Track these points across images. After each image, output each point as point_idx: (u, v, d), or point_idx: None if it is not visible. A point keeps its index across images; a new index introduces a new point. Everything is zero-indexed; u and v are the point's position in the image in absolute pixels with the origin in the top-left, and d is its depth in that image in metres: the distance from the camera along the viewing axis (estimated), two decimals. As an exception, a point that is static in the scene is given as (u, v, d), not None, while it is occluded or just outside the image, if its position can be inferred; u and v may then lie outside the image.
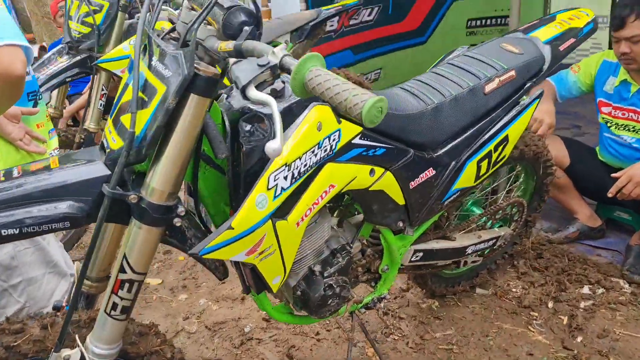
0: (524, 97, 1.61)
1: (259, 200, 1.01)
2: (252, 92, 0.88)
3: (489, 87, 1.47)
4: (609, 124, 2.39)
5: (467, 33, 5.68)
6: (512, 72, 1.52)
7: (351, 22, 4.74)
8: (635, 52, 2.11)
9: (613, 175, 2.00)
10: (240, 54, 0.88)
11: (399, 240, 1.55)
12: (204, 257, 0.99)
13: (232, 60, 0.93)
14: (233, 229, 0.99)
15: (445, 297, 2.21)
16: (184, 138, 0.97)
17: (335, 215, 1.54)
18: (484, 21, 5.69)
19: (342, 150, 1.17)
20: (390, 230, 1.51)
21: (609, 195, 2.01)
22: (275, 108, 0.86)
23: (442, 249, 1.75)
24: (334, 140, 1.13)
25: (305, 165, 1.07)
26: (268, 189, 1.01)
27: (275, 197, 1.03)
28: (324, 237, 1.37)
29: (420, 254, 1.70)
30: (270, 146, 0.84)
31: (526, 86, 1.56)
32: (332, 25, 4.53)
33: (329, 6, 2.90)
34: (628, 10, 2.08)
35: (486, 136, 1.50)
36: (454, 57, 1.63)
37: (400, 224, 1.50)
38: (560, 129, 4.12)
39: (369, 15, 4.96)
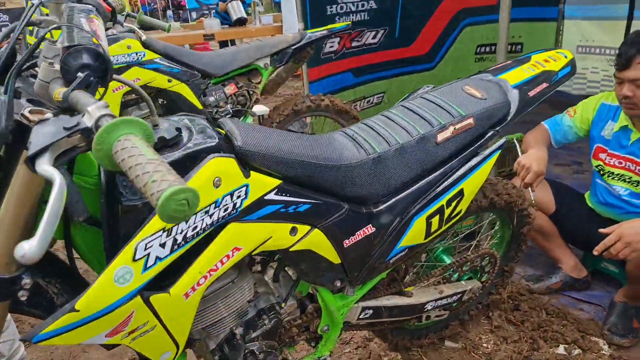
0: (488, 145, 1.45)
1: (120, 275, 0.85)
2: (40, 165, 0.69)
3: (441, 136, 1.30)
4: (602, 172, 2.19)
5: (476, 59, 5.51)
6: (470, 120, 1.34)
7: (353, 44, 4.61)
8: (638, 97, 1.89)
9: (601, 230, 1.80)
10: (69, 106, 0.72)
11: (339, 299, 1.39)
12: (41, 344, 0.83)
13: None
14: (78, 311, 0.83)
15: (410, 350, 2.03)
16: (15, 205, 0.81)
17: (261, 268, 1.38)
18: (493, 47, 5.50)
19: (250, 208, 1.02)
20: (327, 289, 1.35)
21: (595, 252, 1.80)
22: (56, 190, 0.66)
23: (396, 306, 1.58)
24: (238, 197, 0.99)
25: (196, 228, 0.92)
26: (134, 260, 0.86)
27: (146, 268, 0.87)
28: (245, 298, 1.21)
29: (370, 312, 1.53)
30: (22, 247, 0.62)
31: (487, 135, 1.38)
32: (332, 47, 4.41)
33: (314, 29, 2.77)
34: (634, 50, 1.86)
35: (437, 190, 1.33)
36: (411, 98, 1.47)
37: (338, 284, 1.33)
38: (560, 164, 3.91)
39: (373, 37, 4.82)
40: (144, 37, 2.23)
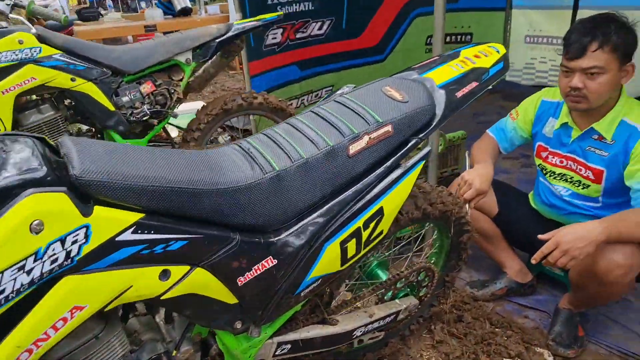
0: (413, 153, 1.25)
1: None
2: None
3: (354, 148, 1.10)
4: (544, 171, 2.04)
5: (427, 50, 5.36)
6: (389, 127, 1.14)
7: (297, 36, 4.36)
8: (588, 89, 1.70)
9: (540, 236, 1.65)
10: None
11: (243, 341, 1.16)
12: None
13: None
14: None
15: (344, 372, 1.84)
16: None
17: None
18: (445, 37, 5.37)
19: (96, 255, 0.79)
20: (228, 332, 1.13)
21: (533, 261, 1.66)
22: None
23: (319, 337, 1.38)
24: (74, 242, 0.75)
25: (4, 292, 0.69)
26: None
27: None
28: (116, 354, 0.98)
29: (288, 347, 1.32)
30: None
31: (409, 144, 1.19)
32: (275, 38, 4.15)
33: (241, 21, 2.52)
34: (590, 37, 1.67)
35: (352, 211, 1.12)
36: (324, 102, 1.25)
37: (239, 325, 1.11)
38: (508, 157, 3.81)
39: (319, 29, 4.59)
40: (33, 30, 1.93)
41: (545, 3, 4.95)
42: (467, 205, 1.84)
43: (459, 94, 1.24)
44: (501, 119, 2.16)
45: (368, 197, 1.13)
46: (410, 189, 1.20)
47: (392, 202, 1.17)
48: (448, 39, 5.35)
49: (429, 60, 1.37)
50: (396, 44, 5.16)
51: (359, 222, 1.13)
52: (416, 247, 1.78)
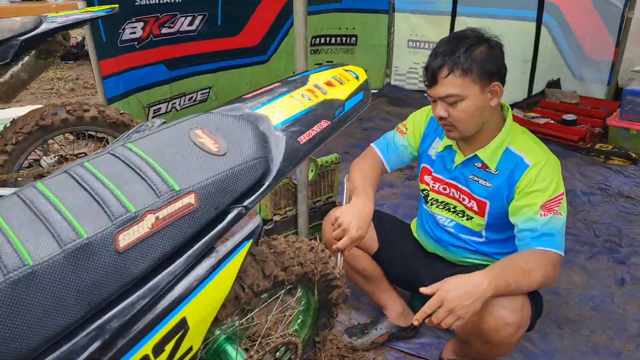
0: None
1: None
2: None
3: (127, 237, 0.67)
4: (428, 198, 1.75)
5: (312, 51, 5.05)
6: (190, 198, 0.72)
7: (163, 31, 3.78)
8: (452, 117, 1.45)
9: (422, 290, 1.37)
10: None
11: None
12: None
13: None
14: None
15: None
16: None
17: None
18: (328, 39, 5.09)
19: None
20: None
21: (414, 322, 1.36)
22: None
23: None
24: None
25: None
26: None
27: None
28: None
29: None
30: None
31: (229, 217, 0.78)
32: (133, 33, 3.54)
33: (59, 13, 1.94)
34: (439, 62, 1.41)
35: (133, 331, 0.71)
36: (98, 153, 0.81)
37: None
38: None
39: (189, 24, 4.04)
40: None
41: (425, 8, 4.86)
42: (339, 255, 1.50)
43: (304, 138, 0.86)
44: (388, 131, 1.83)
45: (158, 308, 0.71)
46: (231, 282, 0.80)
47: (202, 308, 0.76)
48: (332, 40, 5.08)
49: (266, 88, 0.97)
50: (279, 44, 4.78)
51: (146, 349, 0.71)
52: (276, 311, 1.40)
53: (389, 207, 2.93)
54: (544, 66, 4.30)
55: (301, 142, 0.87)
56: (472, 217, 1.62)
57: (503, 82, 1.46)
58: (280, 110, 0.89)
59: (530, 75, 4.39)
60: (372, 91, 5.82)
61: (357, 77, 1.02)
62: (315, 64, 4.83)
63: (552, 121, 3.70)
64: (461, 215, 1.66)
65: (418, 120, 1.77)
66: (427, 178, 1.74)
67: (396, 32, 5.11)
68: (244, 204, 0.79)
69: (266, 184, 0.81)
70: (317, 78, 0.99)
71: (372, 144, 1.83)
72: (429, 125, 1.73)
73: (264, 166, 0.81)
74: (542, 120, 3.71)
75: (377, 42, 5.15)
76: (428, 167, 1.73)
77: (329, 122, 0.91)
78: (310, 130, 0.88)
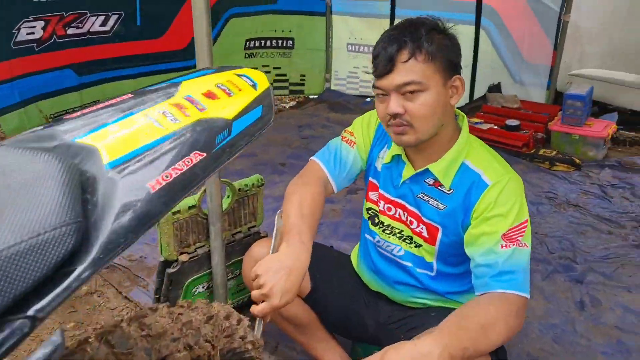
0: None
1: None
2: None
3: None
4: (374, 220, 1.41)
5: (246, 55, 4.67)
6: None
7: (69, 32, 3.28)
8: (411, 113, 1.15)
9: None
10: None
11: None
12: None
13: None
14: None
15: None
16: None
17: None
18: (263, 42, 4.74)
19: None
20: None
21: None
22: None
23: None
24: None
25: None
26: None
27: None
28: None
29: None
30: None
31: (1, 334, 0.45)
32: (32, 33, 3.04)
33: None
34: (397, 45, 1.13)
35: None
36: None
37: None
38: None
39: (102, 24, 3.56)
40: None
41: (363, 11, 4.62)
42: (258, 322, 1.15)
43: (157, 182, 0.52)
44: (332, 140, 1.47)
45: None
46: None
47: None
48: (268, 43, 4.74)
49: (105, 103, 0.60)
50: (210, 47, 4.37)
51: None
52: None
53: (328, 227, 2.61)
54: (484, 70, 4.16)
55: (152, 191, 0.51)
56: (420, 245, 1.32)
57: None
58: (121, 138, 0.54)
59: (470, 79, 4.24)
60: (312, 96, 5.42)
61: (254, 86, 0.68)
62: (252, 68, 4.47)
63: (496, 127, 3.54)
64: (408, 242, 1.35)
65: (366, 125, 1.43)
66: (372, 195, 1.41)
67: (334, 35, 4.83)
68: (29, 312, 0.43)
69: (76, 272, 0.46)
70: (192, 87, 0.63)
71: (313, 158, 1.47)
72: (376, 132, 1.42)
73: (74, 240, 0.46)
74: (485, 126, 3.53)
75: (315, 46, 4.85)
76: (375, 181, 1.41)
77: (204, 155, 0.56)
78: (169, 170, 0.53)
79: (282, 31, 4.75)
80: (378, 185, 1.39)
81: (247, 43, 4.62)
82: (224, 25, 4.40)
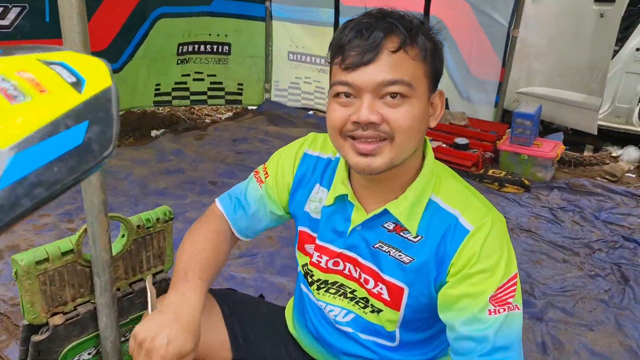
0: None
1: None
2: None
3: None
4: (310, 277, 1.10)
5: (179, 61, 4.28)
6: None
7: (-45, 24, 2.80)
8: (392, 124, 0.84)
9: None
10: None
11: None
12: None
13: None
14: None
15: None
16: None
17: None
18: (197, 46, 4.36)
19: None
20: None
21: None
22: None
23: None
24: None
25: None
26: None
27: None
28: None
29: None
30: None
31: None
32: None
33: None
34: (384, 30, 0.83)
35: None
36: None
37: None
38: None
39: (2, 18, 3.10)
40: None
41: (305, 17, 4.36)
42: None
43: None
44: (241, 182, 1.17)
45: None
46: None
47: None
48: (202, 47, 4.36)
49: None
50: (135, 50, 3.95)
51: None
52: None
53: (263, 258, 2.29)
54: (431, 85, 4.01)
55: None
56: (380, 310, 1.01)
57: None
58: None
59: (417, 94, 4.08)
60: (250, 107, 5.09)
61: (77, 84, 0.36)
62: (182, 75, 3.94)
63: (445, 145, 3.37)
64: (363, 306, 1.03)
65: (284, 161, 1.10)
66: (308, 247, 1.09)
67: (274, 43, 4.54)
68: None
69: None
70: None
71: (217, 200, 1.17)
72: (300, 168, 1.09)
73: None
74: (434, 144, 3.35)
75: (254, 53, 4.54)
76: (309, 231, 1.08)
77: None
78: None
79: (218, 35, 4.41)
80: (315, 236, 1.06)
81: (180, 48, 4.25)
82: (152, 25, 4.00)
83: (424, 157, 0.96)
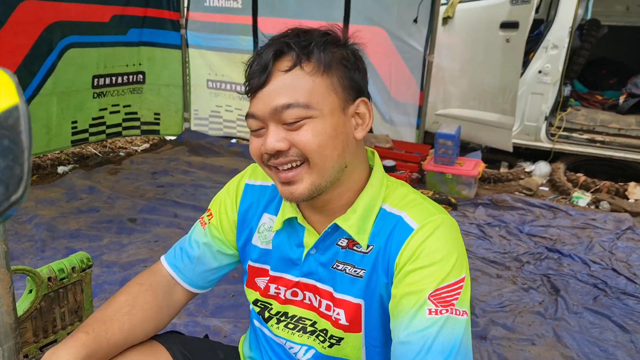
0: None
1: None
2: None
3: None
4: (264, 314, 0.99)
5: (95, 95, 3.94)
6: None
7: None
8: (302, 146, 0.80)
9: None
10: None
11: None
12: None
13: None
14: None
15: None
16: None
17: None
18: (114, 79, 4.06)
19: None
20: None
21: None
22: None
23: None
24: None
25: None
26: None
27: None
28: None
29: None
30: None
31: None
32: None
33: None
34: (274, 48, 0.80)
35: None
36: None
37: None
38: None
39: None
40: None
41: (222, 45, 4.27)
42: None
43: None
44: (184, 237, 1.05)
45: None
46: None
47: None
48: (120, 79, 4.09)
49: None
50: (43, 82, 3.57)
51: None
52: None
53: (195, 298, 2.10)
54: (354, 109, 4.06)
55: None
56: (340, 339, 0.91)
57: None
58: None
59: (341, 119, 4.11)
60: (168, 137, 4.88)
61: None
62: (100, 110, 3.61)
63: (372, 168, 3.39)
64: (322, 339, 0.94)
65: (225, 196, 1.02)
66: (260, 281, 0.98)
67: (192, 71, 4.39)
68: None
69: None
70: None
71: (162, 258, 1.06)
72: (245, 197, 1.00)
73: None
74: (362, 168, 3.36)
75: (170, 81, 4.35)
76: (258, 265, 0.98)
77: None
78: None
79: (133, 65, 4.17)
80: (268, 268, 0.97)
81: (95, 80, 3.93)
82: (60, 55, 3.65)
83: (372, 170, 0.91)
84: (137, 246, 2.52)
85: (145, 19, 4.08)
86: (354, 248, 0.88)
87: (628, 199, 3.43)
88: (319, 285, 0.92)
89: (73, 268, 1.07)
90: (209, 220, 1.02)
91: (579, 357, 1.84)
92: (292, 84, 0.79)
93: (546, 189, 3.70)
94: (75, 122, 3.84)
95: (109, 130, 4.11)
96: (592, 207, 3.35)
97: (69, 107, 3.77)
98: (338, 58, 0.83)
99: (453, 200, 3.19)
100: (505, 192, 3.47)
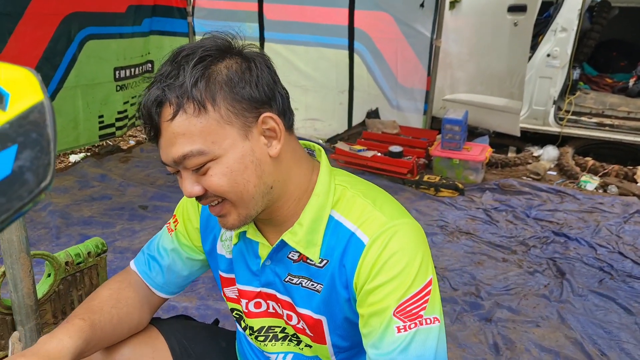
0: None
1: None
2: None
3: None
4: (242, 324, 1.01)
5: (118, 88, 3.91)
6: None
7: None
8: (211, 189, 0.77)
9: None
10: None
11: None
12: None
13: None
14: None
15: None
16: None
17: None
18: (132, 70, 4.04)
19: None
20: None
21: None
22: None
23: None
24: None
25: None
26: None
27: None
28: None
29: None
30: None
31: None
32: None
33: None
34: (154, 98, 0.74)
35: None
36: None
37: None
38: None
39: None
40: None
41: (231, 31, 4.27)
42: None
43: None
44: (154, 237, 1.06)
45: None
46: None
47: None
48: (136, 71, 4.08)
49: None
50: (66, 75, 3.50)
51: None
52: None
53: (205, 283, 2.16)
54: (361, 96, 4.06)
55: None
56: (310, 346, 0.94)
57: (284, 114, 0.81)
58: None
59: (348, 105, 4.13)
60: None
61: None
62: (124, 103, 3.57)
63: (379, 154, 3.41)
64: (296, 342, 0.96)
65: (188, 203, 1.01)
66: (230, 292, 0.99)
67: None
68: None
69: None
70: None
71: (131, 262, 1.06)
72: (203, 211, 1.00)
73: None
74: (369, 153, 3.38)
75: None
76: (227, 275, 0.99)
77: None
78: None
79: (142, 56, 4.18)
80: (235, 278, 0.97)
81: (117, 73, 3.90)
82: (79, 48, 3.61)
83: (317, 172, 0.87)
84: (149, 232, 2.57)
85: (155, 7, 4.09)
86: (308, 261, 0.86)
87: (637, 182, 3.42)
88: (279, 295, 0.91)
89: (89, 253, 1.12)
90: (175, 226, 1.02)
91: (582, 339, 1.87)
92: (181, 131, 0.74)
93: (554, 173, 3.69)
94: (102, 116, 3.78)
95: (129, 122, 4.13)
96: (600, 191, 3.35)
97: (94, 101, 3.69)
98: (220, 82, 0.75)
99: (460, 186, 3.21)
100: (512, 177, 3.47)
